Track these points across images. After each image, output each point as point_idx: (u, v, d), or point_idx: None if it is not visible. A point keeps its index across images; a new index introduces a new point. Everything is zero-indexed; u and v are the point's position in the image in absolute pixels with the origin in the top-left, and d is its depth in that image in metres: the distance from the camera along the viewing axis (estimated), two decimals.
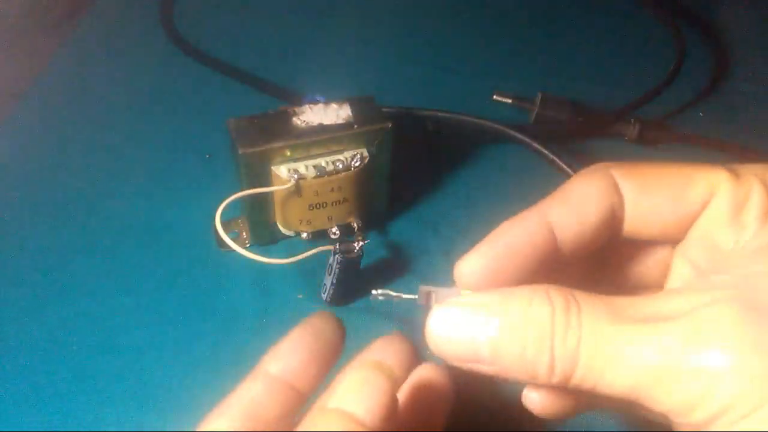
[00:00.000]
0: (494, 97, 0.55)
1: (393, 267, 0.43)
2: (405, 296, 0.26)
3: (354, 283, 0.40)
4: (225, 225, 0.39)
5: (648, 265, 0.27)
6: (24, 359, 0.38)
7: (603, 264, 0.28)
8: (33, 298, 0.41)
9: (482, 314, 0.22)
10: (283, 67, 0.57)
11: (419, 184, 0.48)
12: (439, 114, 0.50)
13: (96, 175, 0.48)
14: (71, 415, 0.36)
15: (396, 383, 0.22)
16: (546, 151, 0.47)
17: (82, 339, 0.39)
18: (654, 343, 0.20)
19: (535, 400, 0.24)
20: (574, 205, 0.24)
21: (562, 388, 0.22)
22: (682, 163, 0.25)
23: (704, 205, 0.24)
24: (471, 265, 0.24)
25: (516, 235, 0.24)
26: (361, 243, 0.38)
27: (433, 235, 0.46)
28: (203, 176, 0.48)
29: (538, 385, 0.22)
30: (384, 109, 0.42)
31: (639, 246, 0.27)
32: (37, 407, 0.36)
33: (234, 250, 0.37)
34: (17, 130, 0.52)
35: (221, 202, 0.38)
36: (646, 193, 0.24)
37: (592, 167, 0.26)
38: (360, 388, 0.21)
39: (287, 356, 0.24)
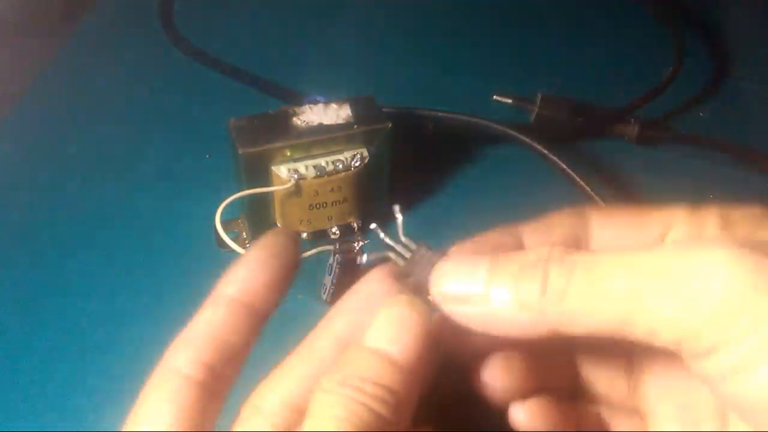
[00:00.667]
0: (494, 97, 0.55)
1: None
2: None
3: (354, 283, 0.40)
4: (225, 225, 0.39)
5: None
6: (24, 359, 0.38)
7: None
8: (33, 298, 0.41)
9: (485, 258, 0.23)
10: (283, 67, 0.57)
11: (419, 184, 0.48)
12: (439, 114, 0.50)
13: (96, 175, 0.48)
14: (71, 415, 0.36)
15: (429, 320, 0.23)
16: (546, 151, 0.47)
17: (82, 339, 0.39)
18: (644, 253, 0.21)
19: (520, 416, 0.25)
20: (544, 229, 0.26)
21: (550, 331, 0.22)
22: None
23: (662, 236, 0.25)
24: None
25: (492, 240, 0.26)
26: (361, 243, 0.39)
27: (433, 235, 0.45)
28: (203, 176, 0.48)
29: (523, 330, 0.22)
30: (384, 109, 0.42)
31: None
32: (37, 407, 0.36)
33: (234, 250, 0.37)
34: (17, 130, 0.52)
35: (221, 202, 0.38)
36: (608, 223, 0.26)
37: (570, 208, 0.27)
38: (395, 327, 0.22)
39: (245, 278, 0.25)
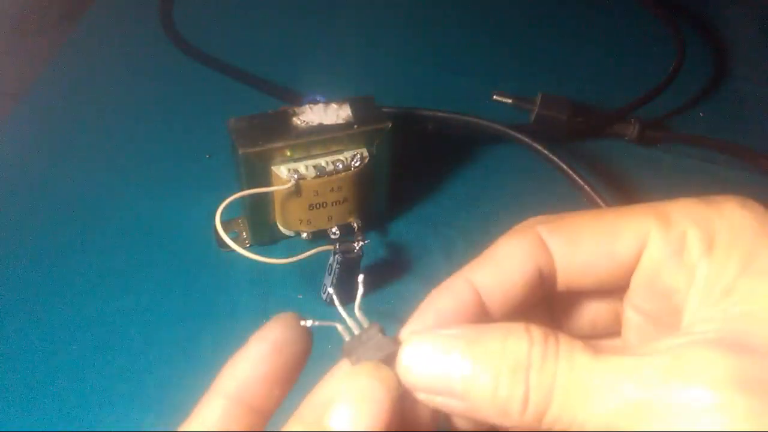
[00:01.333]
0: (494, 97, 0.55)
1: (393, 267, 0.43)
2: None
3: (354, 284, 0.40)
4: (225, 225, 0.39)
5: (600, 313, 0.27)
6: (24, 359, 0.38)
7: (551, 316, 0.27)
8: (33, 298, 0.41)
9: (457, 347, 0.21)
10: (283, 67, 0.57)
11: (419, 184, 0.48)
12: (439, 114, 0.50)
13: (96, 175, 0.48)
14: (71, 415, 0.36)
15: (396, 392, 0.21)
16: (546, 151, 0.47)
17: (82, 339, 0.39)
18: (633, 375, 0.19)
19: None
20: (498, 267, 0.24)
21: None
22: (611, 210, 0.25)
23: (638, 254, 0.23)
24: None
25: (443, 303, 0.24)
26: (361, 243, 0.39)
27: (433, 235, 0.46)
28: (203, 176, 0.48)
29: (505, 428, 0.21)
30: (384, 109, 0.42)
31: (584, 296, 0.26)
32: (37, 407, 0.36)
33: (234, 250, 0.37)
34: (17, 130, 0.52)
35: (221, 202, 0.38)
36: (573, 249, 0.24)
37: (520, 226, 0.25)
38: (359, 405, 0.20)
39: (246, 374, 0.23)
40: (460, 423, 0.24)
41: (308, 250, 0.38)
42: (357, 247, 0.38)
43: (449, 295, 0.24)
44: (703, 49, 0.62)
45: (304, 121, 0.40)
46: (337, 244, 0.38)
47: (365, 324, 0.23)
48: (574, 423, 0.20)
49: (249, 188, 0.39)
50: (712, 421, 0.18)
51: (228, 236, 0.37)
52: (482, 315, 0.24)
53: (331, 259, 0.39)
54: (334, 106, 0.40)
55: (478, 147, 0.51)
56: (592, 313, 0.27)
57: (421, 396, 0.22)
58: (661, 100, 0.55)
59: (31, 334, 0.39)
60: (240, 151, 0.38)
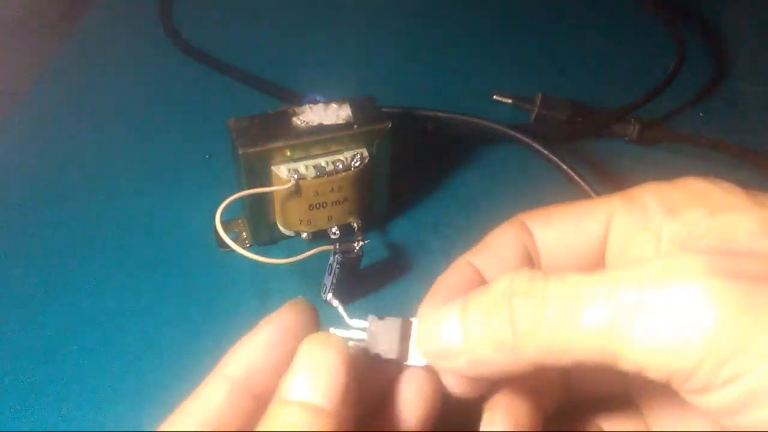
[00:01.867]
0: (494, 97, 0.55)
1: (393, 267, 0.43)
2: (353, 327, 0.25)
3: (354, 283, 0.40)
4: (225, 225, 0.39)
5: None
6: (24, 359, 0.38)
7: None
8: (33, 298, 0.41)
9: (453, 310, 0.22)
10: (283, 67, 0.57)
11: (419, 184, 0.48)
12: (439, 114, 0.50)
13: (96, 175, 0.48)
14: (71, 415, 0.36)
15: (348, 354, 0.22)
16: (546, 151, 0.47)
17: (82, 339, 0.39)
18: (627, 281, 0.19)
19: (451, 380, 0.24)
20: (491, 248, 0.26)
21: (536, 365, 0.21)
22: (583, 202, 0.27)
23: (606, 228, 0.25)
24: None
25: (450, 284, 0.25)
26: (361, 243, 0.38)
27: (433, 235, 0.46)
28: (203, 176, 0.48)
29: (508, 368, 0.21)
30: (384, 109, 0.42)
31: None
32: (37, 407, 0.36)
33: (234, 250, 0.37)
34: (17, 130, 0.52)
35: (221, 202, 0.38)
36: (549, 227, 0.26)
37: (509, 219, 0.27)
38: (313, 371, 0.21)
39: (252, 360, 0.23)
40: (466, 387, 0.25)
41: (308, 250, 0.38)
42: (357, 247, 0.38)
43: (456, 273, 0.26)
44: (703, 49, 0.62)
45: (304, 121, 0.40)
46: (337, 244, 0.38)
47: (364, 324, 0.25)
48: (570, 339, 0.20)
49: (249, 188, 0.39)
50: (706, 311, 0.18)
51: (228, 236, 0.37)
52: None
53: (331, 259, 0.39)
54: (334, 106, 0.40)
55: (478, 147, 0.51)
56: None
57: (437, 364, 0.23)
58: (661, 100, 0.55)
59: (31, 334, 0.39)
60: (240, 151, 0.38)
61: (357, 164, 0.40)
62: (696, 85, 0.58)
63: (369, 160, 0.40)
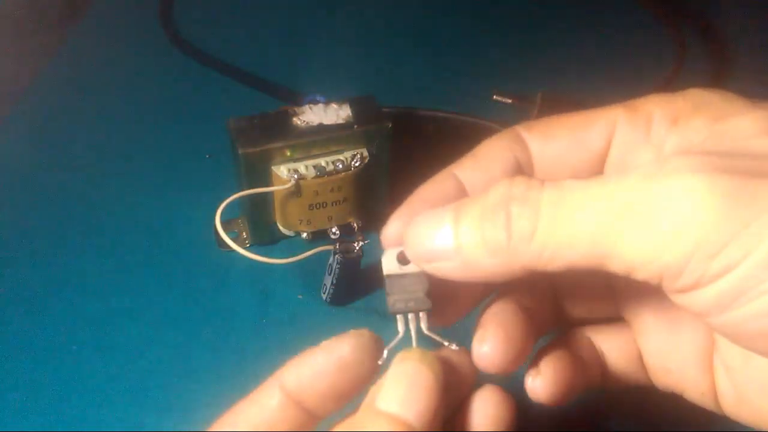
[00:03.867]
0: (494, 97, 0.55)
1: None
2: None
3: (354, 283, 0.40)
4: (225, 225, 0.39)
5: None
6: (24, 359, 0.38)
7: None
8: (32, 298, 0.41)
9: (449, 210, 0.22)
10: (283, 67, 0.57)
11: (419, 184, 0.48)
12: (439, 114, 0.50)
13: (96, 175, 0.48)
14: (71, 415, 0.36)
15: (441, 374, 0.22)
16: None
17: (82, 339, 0.39)
18: (619, 184, 0.20)
19: (538, 387, 0.25)
20: (478, 160, 0.25)
21: (526, 270, 0.21)
22: (583, 111, 0.26)
23: (608, 140, 0.24)
24: (393, 228, 0.25)
25: (428, 194, 0.25)
26: (361, 243, 0.38)
27: None
28: (203, 176, 0.48)
29: (501, 271, 0.21)
30: (384, 109, 0.42)
31: None
32: (37, 407, 0.36)
33: (234, 250, 0.37)
34: (17, 130, 0.52)
35: (221, 202, 0.38)
36: (547, 140, 0.25)
37: (504, 130, 0.27)
38: (409, 389, 0.21)
39: (310, 379, 0.23)
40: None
41: (308, 250, 0.38)
42: (357, 247, 0.38)
43: (434, 186, 0.25)
44: (703, 49, 0.62)
45: (304, 121, 0.40)
46: (337, 244, 0.38)
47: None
48: (561, 244, 0.20)
49: (249, 188, 0.39)
50: (695, 205, 0.18)
51: (228, 236, 0.37)
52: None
53: (331, 259, 0.39)
54: (334, 106, 0.40)
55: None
56: None
57: (426, 267, 0.23)
58: None
59: (31, 334, 0.39)
60: (240, 151, 0.38)
61: (357, 164, 0.40)
62: (696, 85, 0.58)
63: (369, 160, 0.40)
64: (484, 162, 0.25)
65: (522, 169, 0.25)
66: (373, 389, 0.22)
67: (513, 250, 0.21)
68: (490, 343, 0.24)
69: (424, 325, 0.24)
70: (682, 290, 0.19)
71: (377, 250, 0.26)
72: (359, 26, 0.63)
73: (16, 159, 0.49)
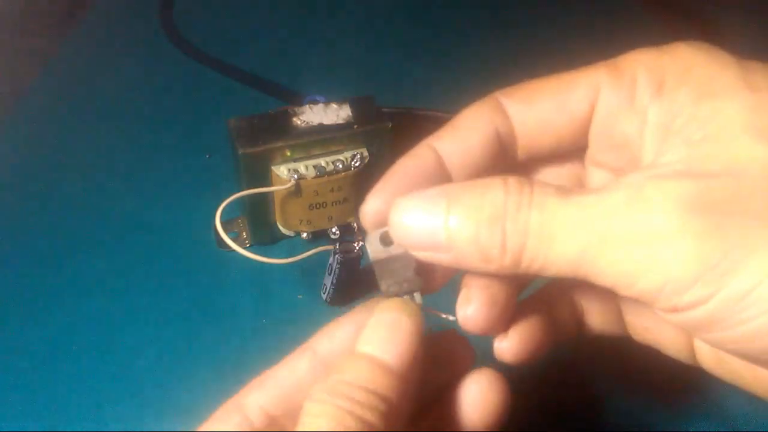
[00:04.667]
0: None
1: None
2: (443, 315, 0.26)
3: (354, 283, 0.40)
4: (225, 225, 0.39)
5: (563, 180, 0.27)
6: (24, 359, 0.38)
7: None
8: (33, 298, 0.41)
9: (440, 204, 0.22)
10: (283, 67, 0.57)
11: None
12: (439, 114, 0.50)
13: (96, 175, 0.48)
14: (71, 415, 0.36)
15: (422, 325, 0.23)
16: None
17: (82, 339, 0.39)
18: (597, 210, 0.20)
19: (505, 348, 0.25)
20: (457, 132, 0.25)
21: (514, 273, 0.22)
22: (565, 72, 0.26)
23: (592, 105, 0.24)
24: (373, 205, 0.25)
25: (407, 169, 0.25)
26: (361, 243, 0.39)
27: None
28: (203, 176, 0.48)
29: (491, 272, 0.22)
30: (384, 109, 0.42)
31: (546, 163, 0.27)
32: (38, 407, 0.36)
33: (234, 250, 0.37)
34: (17, 130, 0.52)
35: (221, 202, 0.38)
36: (529, 106, 0.25)
37: (483, 98, 0.27)
38: (390, 333, 0.22)
39: (342, 341, 0.24)
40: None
41: (308, 250, 0.38)
42: (357, 247, 0.38)
43: (413, 160, 0.25)
44: None
45: (304, 121, 0.40)
46: (337, 244, 0.38)
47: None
48: (547, 262, 0.21)
49: (249, 188, 0.39)
50: (669, 244, 0.19)
51: (228, 236, 0.37)
52: (445, 178, 0.25)
53: (331, 259, 0.39)
54: (334, 106, 0.40)
55: None
56: (555, 180, 0.27)
57: (413, 253, 0.23)
58: None
59: (31, 334, 0.39)
60: (240, 151, 0.38)
61: (357, 164, 0.40)
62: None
63: (369, 160, 0.40)
64: (463, 133, 0.25)
65: (501, 138, 0.25)
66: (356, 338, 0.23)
67: (504, 260, 0.21)
68: (474, 305, 0.24)
69: (418, 302, 0.25)
70: (660, 311, 0.20)
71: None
72: (359, 26, 0.63)
73: (16, 159, 0.49)
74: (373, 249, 0.25)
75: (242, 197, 0.39)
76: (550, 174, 0.28)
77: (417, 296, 0.25)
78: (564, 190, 0.21)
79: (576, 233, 0.20)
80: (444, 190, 0.22)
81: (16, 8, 0.62)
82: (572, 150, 0.26)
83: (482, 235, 0.21)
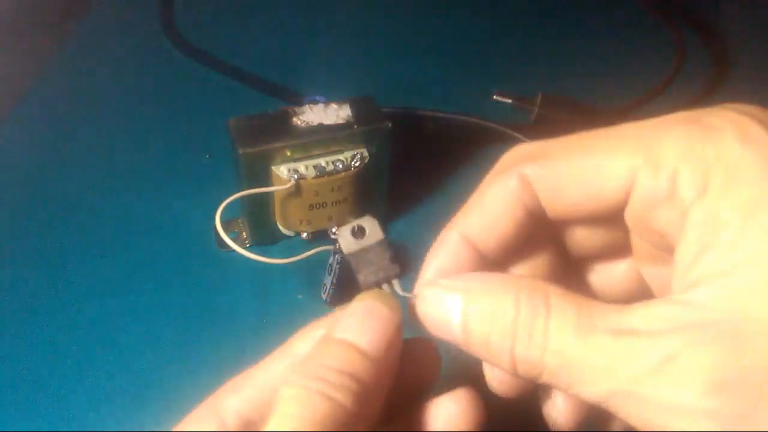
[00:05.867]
0: (494, 97, 0.55)
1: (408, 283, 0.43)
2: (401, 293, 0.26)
3: (354, 283, 0.40)
4: (225, 225, 0.39)
5: (605, 235, 0.26)
6: (24, 359, 0.38)
7: (555, 240, 0.27)
8: (33, 298, 0.41)
9: (456, 300, 0.22)
10: (283, 67, 0.57)
11: (419, 184, 0.48)
12: (439, 114, 0.50)
13: (96, 174, 0.48)
14: (71, 415, 0.36)
15: (398, 313, 0.23)
16: None
17: (82, 339, 0.39)
18: (626, 365, 0.19)
19: (494, 383, 0.25)
20: (484, 213, 0.25)
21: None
22: (597, 144, 0.24)
23: (626, 196, 0.22)
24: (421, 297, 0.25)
25: (441, 261, 0.25)
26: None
27: (433, 235, 0.45)
28: (203, 176, 0.48)
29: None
30: (384, 109, 0.42)
31: (584, 224, 0.26)
32: (38, 407, 0.36)
33: (234, 250, 0.37)
34: (17, 130, 0.52)
35: (221, 202, 0.38)
36: (558, 193, 0.24)
37: (502, 163, 0.26)
38: (364, 319, 0.23)
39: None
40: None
41: (308, 250, 0.38)
42: None
43: (444, 251, 0.25)
44: (703, 49, 0.62)
45: (304, 121, 0.40)
46: (337, 244, 0.38)
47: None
48: (573, 390, 0.20)
49: (249, 188, 0.39)
50: (700, 425, 0.18)
51: (228, 236, 0.37)
52: (479, 261, 0.25)
53: (331, 259, 0.39)
54: (334, 106, 0.40)
55: (478, 147, 0.51)
56: (597, 234, 0.26)
57: (435, 336, 0.23)
58: (661, 100, 0.55)
59: (31, 334, 0.39)
60: (240, 151, 0.38)
61: (357, 164, 0.40)
62: (696, 85, 0.58)
63: (369, 160, 0.40)
64: (488, 215, 0.25)
65: (530, 211, 0.24)
66: (330, 324, 0.24)
67: (512, 366, 0.21)
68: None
69: (398, 289, 0.25)
70: None
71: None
72: (359, 26, 0.63)
73: (16, 159, 0.49)
74: (346, 243, 0.26)
75: (242, 197, 0.39)
76: (590, 232, 0.26)
77: (395, 283, 0.25)
78: (585, 322, 0.20)
79: (602, 381, 0.19)
80: (463, 287, 0.22)
81: (16, 8, 0.62)
82: (609, 220, 0.24)
83: (493, 345, 0.21)
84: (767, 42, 0.64)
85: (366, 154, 0.40)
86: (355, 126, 0.40)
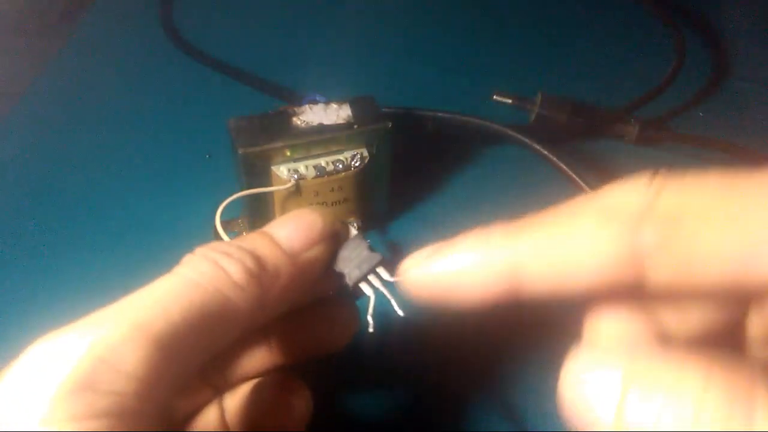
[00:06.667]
0: (494, 97, 0.55)
1: (393, 267, 0.43)
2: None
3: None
4: (225, 225, 0.39)
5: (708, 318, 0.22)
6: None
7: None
8: (32, 298, 0.41)
9: (614, 376, 0.17)
10: (283, 67, 0.57)
11: (419, 184, 0.48)
12: (439, 114, 0.50)
13: (96, 175, 0.48)
14: None
15: (327, 223, 0.24)
16: (546, 151, 0.47)
17: None
18: None
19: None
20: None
21: None
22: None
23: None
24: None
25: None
26: None
27: (433, 235, 0.45)
28: (203, 176, 0.48)
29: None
30: (384, 109, 0.42)
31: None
32: None
33: None
34: (17, 130, 0.52)
35: (221, 202, 0.38)
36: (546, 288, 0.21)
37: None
38: (289, 218, 0.24)
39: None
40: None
41: None
42: None
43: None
44: (703, 49, 0.62)
45: (304, 121, 0.40)
46: None
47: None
48: None
49: (249, 188, 0.39)
50: None
51: (228, 236, 0.37)
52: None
53: None
54: (334, 106, 0.40)
55: (478, 147, 0.51)
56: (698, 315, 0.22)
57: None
58: (661, 100, 0.55)
59: (31, 334, 0.39)
60: (240, 151, 0.38)
61: (357, 164, 0.40)
62: (696, 85, 0.58)
63: (369, 160, 0.40)
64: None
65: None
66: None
67: None
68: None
69: (387, 277, 0.25)
70: None
71: (377, 250, 0.27)
72: (359, 26, 0.63)
73: (16, 159, 0.49)
74: None
75: (242, 197, 0.39)
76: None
77: (383, 272, 0.25)
78: None
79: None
80: (618, 362, 0.17)
81: (16, 8, 0.62)
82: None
83: None
84: (767, 42, 0.64)
85: (366, 154, 0.40)
86: (355, 126, 0.40)
